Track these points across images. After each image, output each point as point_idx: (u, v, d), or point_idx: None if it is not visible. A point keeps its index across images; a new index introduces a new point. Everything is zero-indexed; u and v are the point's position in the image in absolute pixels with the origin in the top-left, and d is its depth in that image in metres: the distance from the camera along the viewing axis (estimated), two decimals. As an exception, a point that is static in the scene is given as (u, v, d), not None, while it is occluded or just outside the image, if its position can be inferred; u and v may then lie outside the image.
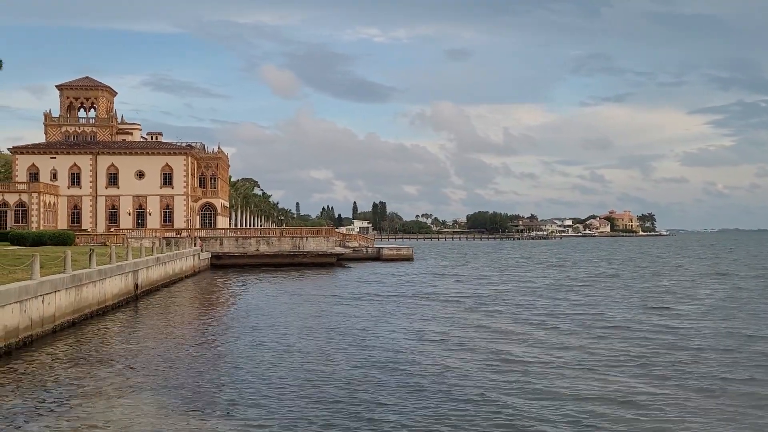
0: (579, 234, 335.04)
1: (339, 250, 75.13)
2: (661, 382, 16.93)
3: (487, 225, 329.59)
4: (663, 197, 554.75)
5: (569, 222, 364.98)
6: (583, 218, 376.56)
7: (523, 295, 40.42)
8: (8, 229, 70.77)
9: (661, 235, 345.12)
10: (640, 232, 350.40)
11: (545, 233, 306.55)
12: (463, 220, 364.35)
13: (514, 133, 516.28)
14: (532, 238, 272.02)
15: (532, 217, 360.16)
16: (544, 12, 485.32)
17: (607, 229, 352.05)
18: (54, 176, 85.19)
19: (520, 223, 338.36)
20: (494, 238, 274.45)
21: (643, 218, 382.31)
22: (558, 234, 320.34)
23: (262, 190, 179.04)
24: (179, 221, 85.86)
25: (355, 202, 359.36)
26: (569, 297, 38.93)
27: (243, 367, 18.88)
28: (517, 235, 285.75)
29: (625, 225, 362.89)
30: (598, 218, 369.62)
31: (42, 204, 79.47)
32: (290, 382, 17.01)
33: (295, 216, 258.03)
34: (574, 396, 15.53)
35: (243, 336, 24.82)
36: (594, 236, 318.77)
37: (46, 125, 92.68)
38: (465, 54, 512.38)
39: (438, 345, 22.57)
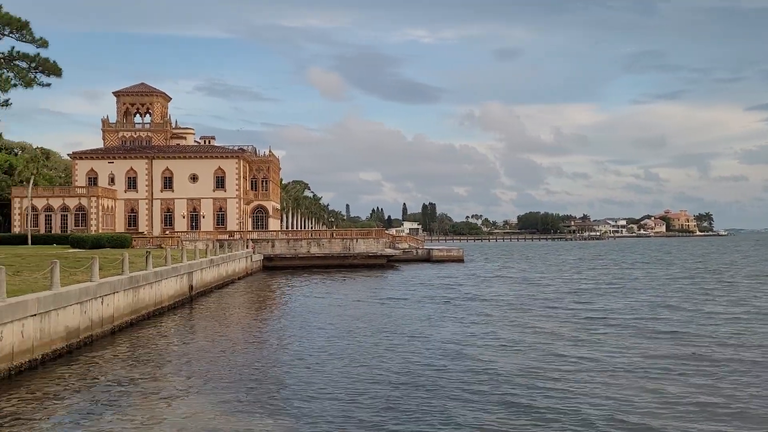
0: (633, 234, 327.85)
1: (389, 251, 75.16)
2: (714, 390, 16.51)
3: (539, 226, 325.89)
4: (721, 196, 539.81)
5: (623, 222, 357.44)
6: (637, 218, 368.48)
7: (574, 297, 39.75)
8: (69, 232, 73.20)
9: (719, 234, 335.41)
10: (697, 232, 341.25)
11: (598, 233, 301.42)
12: (514, 220, 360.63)
13: (565, 133, 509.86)
14: (585, 239, 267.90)
15: (585, 218, 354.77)
16: (596, 9, 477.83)
17: (663, 229, 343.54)
18: (112, 180, 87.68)
19: (572, 223, 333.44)
20: (546, 238, 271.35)
21: (700, 218, 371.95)
22: (611, 234, 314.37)
23: (312, 192, 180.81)
24: (232, 223, 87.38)
25: (404, 204, 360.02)
26: (621, 300, 38.12)
27: (294, 369, 19.10)
28: (569, 236, 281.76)
29: (682, 225, 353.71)
30: (653, 218, 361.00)
31: (100, 207, 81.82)
32: (340, 384, 17.13)
33: (345, 218, 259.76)
34: (625, 402, 15.26)
35: (294, 338, 25.09)
36: (649, 237, 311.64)
37: (103, 131, 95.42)
38: (514, 54, 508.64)
39: (488, 349, 22.38)
